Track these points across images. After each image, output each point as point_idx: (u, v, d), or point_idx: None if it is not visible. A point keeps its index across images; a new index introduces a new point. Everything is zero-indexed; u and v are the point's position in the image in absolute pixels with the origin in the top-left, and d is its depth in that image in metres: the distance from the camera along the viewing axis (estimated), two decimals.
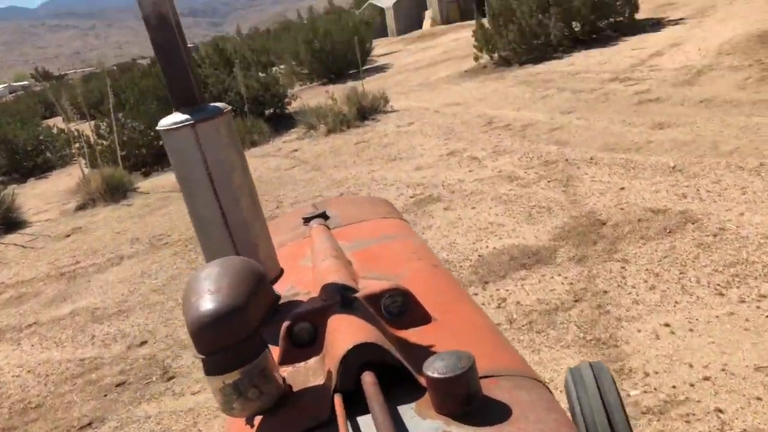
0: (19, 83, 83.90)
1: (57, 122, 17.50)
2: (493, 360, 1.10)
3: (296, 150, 10.49)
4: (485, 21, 14.58)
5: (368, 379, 0.97)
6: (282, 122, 13.34)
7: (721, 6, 14.03)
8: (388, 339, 1.09)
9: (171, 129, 1.29)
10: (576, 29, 13.84)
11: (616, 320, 3.55)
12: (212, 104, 1.33)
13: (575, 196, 5.45)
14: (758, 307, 3.37)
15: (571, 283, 4.05)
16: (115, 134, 12.15)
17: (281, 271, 1.46)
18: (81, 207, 9.90)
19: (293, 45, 20.94)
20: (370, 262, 1.56)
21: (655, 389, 2.93)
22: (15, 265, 7.71)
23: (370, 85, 13.65)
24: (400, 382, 1.01)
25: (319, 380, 1.07)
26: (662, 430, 2.68)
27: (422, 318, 1.24)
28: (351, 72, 19.28)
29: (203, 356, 0.96)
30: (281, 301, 1.28)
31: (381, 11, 37.98)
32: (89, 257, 7.27)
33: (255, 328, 1.00)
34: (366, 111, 11.40)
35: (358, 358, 1.00)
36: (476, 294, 4.17)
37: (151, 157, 12.92)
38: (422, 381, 0.96)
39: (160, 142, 12.87)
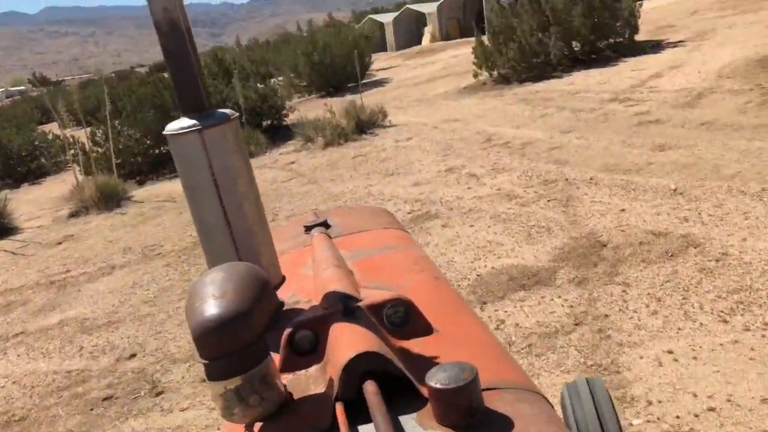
0: (16, 88, 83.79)
1: (53, 128, 17.39)
2: (496, 372, 1.10)
3: (293, 162, 10.42)
4: (485, 38, 14.60)
5: (370, 388, 0.96)
6: (279, 134, 13.29)
7: (721, 30, 14.08)
8: (390, 349, 1.09)
9: (178, 134, 1.29)
10: (576, 49, 13.87)
11: (617, 345, 3.47)
12: (220, 110, 1.34)
13: (575, 217, 5.39)
14: (763, 336, 3.29)
15: (572, 306, 3.97)
16: (110, 142, 12.06)
17: (283, 279, 1.46)
18: (74, 214, 9.78)
19: (292, 57, 20.91)
20: (371, 272, 1.56)
21: (658, 419, 2.85)
22: (4, 272, 7.59)
23: (368, 99, 13.62)
24: (402, 393, 1.01)
25: (320, 388, 1.07)
26: None
27: (424, 329, 1.23)
28: (350, 85, 19.27)
29: (206, 361, 0.96)
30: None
31: (380, 26, 38.08)
32: (80, 266, 7.16)
33: (259, 334, 0.99)
34: (364, 125, 11.36)
35: (361, 366, 1.00)
36: None
37: (146, 165, 12.84)
38: (424, 391, 0.96)
39: (156, 151, 12.97)
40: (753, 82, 8.85)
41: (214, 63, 15.35)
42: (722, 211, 4.91)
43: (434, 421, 0.93)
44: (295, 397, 1.07)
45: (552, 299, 4.11)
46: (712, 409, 2.84)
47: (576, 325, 3.76)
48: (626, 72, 11.91)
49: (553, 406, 1.07)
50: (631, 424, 2.83)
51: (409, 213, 6.37)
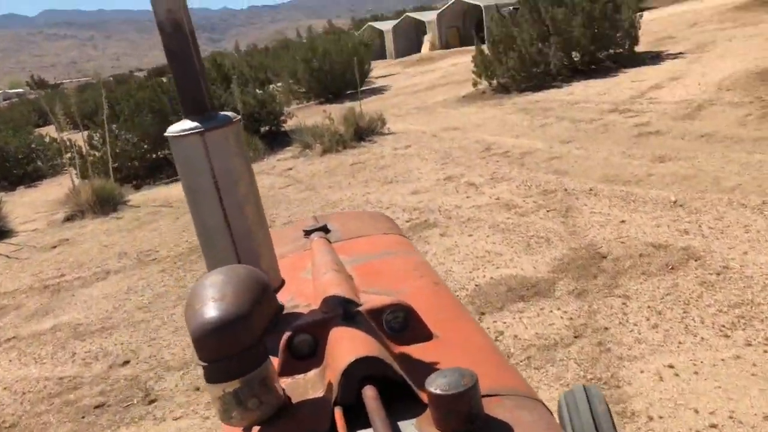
0: (13, 90, 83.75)
1: (50, 131, 17.35)
2: (495, 379, 1.10)
3: (291, 169, 10.37)
4: (485, 47, 14.61)
5: (370, 393, 0.96)
6: (277, 140, 13.25)
7: (721, 42, 14.11)
8: (390, 354, 1.09)
9: (179, 136, 1.29)
10: (576, 59, 13.89)
11: (617, 359, 3.43)
12: (222, 113, 1.33)
13: (574, 228, 5.35)
14: (765, 352, 3.25)
15: (571, 318, 3.93)
16: (107, 145, 12.01)
17: (282, 282, 1.46)
18: (69, 218, 9.71)
19: (291, 63, 20.93)
20: (371, 277, 1.56)
21: None
22: None
23: (367, 106, 13.60)
24: (401, 398, 1.01)
25: (319, 393, 1.07)
26: None
27: (424, 334, 1.23)
28: (349, 92, 19.27)
29: (205, 364, 0.96)
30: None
31: (380, 33, 38.19)
32: (75, 270, 7.09)
33: (258, 337, 0.99)
34: (363, 132, 11.33)
35: (360, 371, 1.00)
36: None
37: (143, 170, 12.79)
38: (424, 397, 0.96)
39: (153, 155, 12.92)
40: (753, 94, 8.84)
41: (213, 68, 15.34)
42: (723, 224, 4.88)
43: (433, 427, 0.92)
44: (294, 401, 1.06)
45: (551, 311, 4.07)
46: (714, 426, 2.80)
47: (575, 337, 3.71)
48: (626, 83, 11.91)
49: (552, 414, 1.06)
50: None
51: (407, 221, 6.33)
